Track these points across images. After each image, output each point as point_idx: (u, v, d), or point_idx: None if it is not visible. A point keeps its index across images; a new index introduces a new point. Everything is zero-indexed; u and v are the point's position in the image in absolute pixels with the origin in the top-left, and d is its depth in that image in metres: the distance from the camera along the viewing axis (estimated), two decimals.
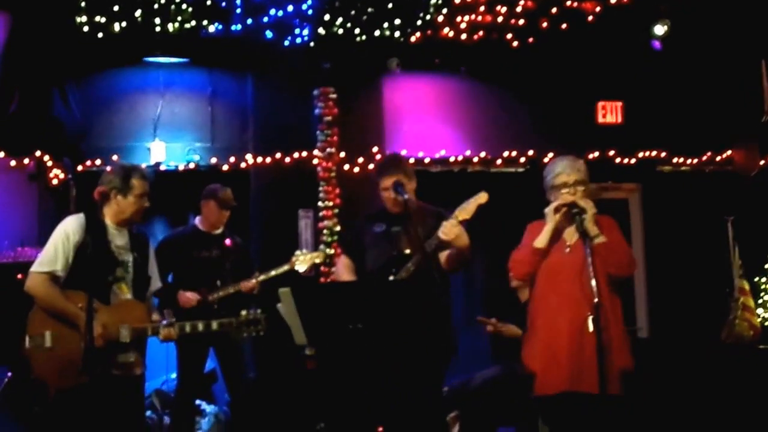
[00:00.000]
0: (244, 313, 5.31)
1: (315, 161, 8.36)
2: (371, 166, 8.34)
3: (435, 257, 5.27)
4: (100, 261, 4.91)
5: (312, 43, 8.37)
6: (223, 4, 8.18)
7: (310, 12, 8.32)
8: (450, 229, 5.10)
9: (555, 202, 4.88)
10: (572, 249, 4.85)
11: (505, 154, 9.03)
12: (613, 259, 4.77)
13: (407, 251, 5.30)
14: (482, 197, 5.17)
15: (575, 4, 8.88)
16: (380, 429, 6.64)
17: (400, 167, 5.55)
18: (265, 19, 8.26)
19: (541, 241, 4.90)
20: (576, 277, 4.65)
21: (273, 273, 6.86)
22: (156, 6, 8.01)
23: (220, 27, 8.20)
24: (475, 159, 8.98)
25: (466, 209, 5.15)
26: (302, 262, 6.95)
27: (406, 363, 5.12)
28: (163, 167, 8.26)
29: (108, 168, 5.43)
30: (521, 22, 8.78)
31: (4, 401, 6.53)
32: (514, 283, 7.06)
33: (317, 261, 7.22)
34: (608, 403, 4.61)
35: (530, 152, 9.00)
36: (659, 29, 8.92)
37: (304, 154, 8.37)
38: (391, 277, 5.28)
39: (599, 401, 4.57)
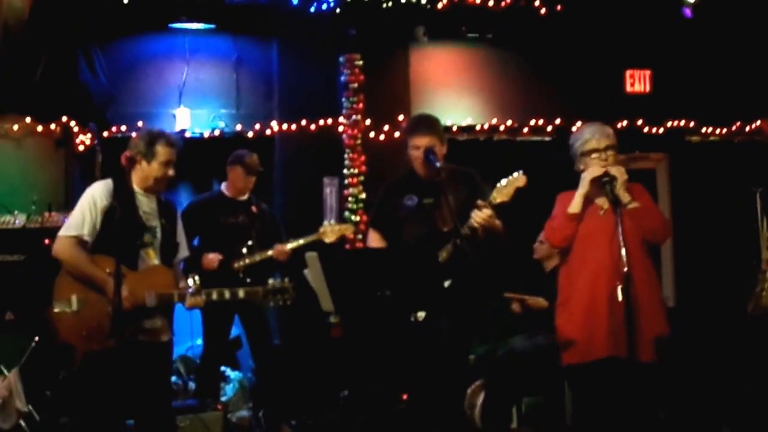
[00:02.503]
0: (271, 281, 5.27)
1: (340, 128, 8.33)
2: (397, 134, 8.32)
3: (473, 235, 5.06)
4: (127, 226, 4.90)
5: (338, 10, 8.30)
6: None
7: None
8: (483, 219, 4.91)
9: (590, 169, 4.84)
10: (606, 213, 4.82)
11: (532, 122, 8.98)
12: (648, 224, 4.76)
13: (444, 229, 5.13)
14: (520, 180, 4.90)
15: None
16: (404, 397, 6.68)
17: (434, 128, 5.33)
18: None
19: (574, 206, 4.88)
20: (610, 243, 4.63)
21: (301, 242, 6.85)
22: None
23: None
24: (502, 127, 8.93)
25: (504, 191, 4.91)
26: (330, 233, 6.92)
27: (434, 334, 5.08)
28: (188, 134, 8.24)
29: (134, 134, 5.41)
30: None
31: (31, 365, 6.58)
32: (537, 255, 7.01)
33: (346, 233, 7.20)
34: (642, 370, 4.60)
35: (557, 121, 8.93)
36: None
37: (330, 121, 8.33)
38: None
39: (634, 368, 4.55)
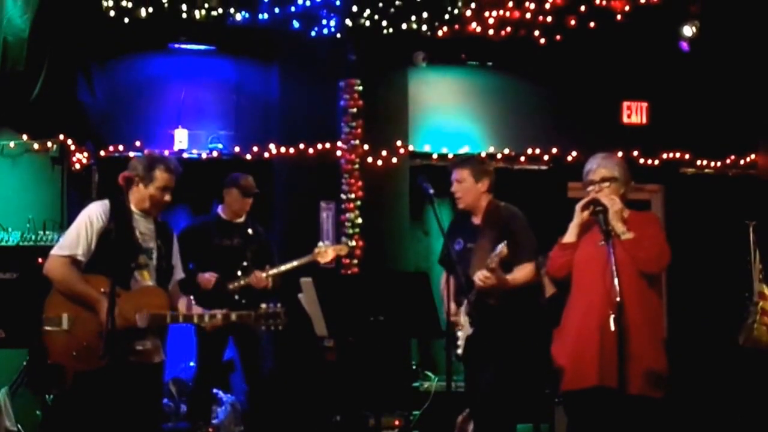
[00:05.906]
0: (263, 306, 5.23)
1: (338, 153, 8.33)
2: (394, 160, 8.35)
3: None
4: (123, 247, 4.87)
5: (339, 35, 8.35)
6: None
7: (337, 3, 8.31)
8: (480, 281, 5.13)
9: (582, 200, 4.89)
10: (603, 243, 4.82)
11: (529, 151, 9.00)
12: (640, 256, 4.74)
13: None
14: (504, 251, 5.08)
15: (604, 2, 8.78)
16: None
17: (465, 162, 5.58)
18: (293, 8, 8.25)
19: (568, 236, 4.93)
20: (603, 273, 4.62)
21: (295, 263, 6.85)
22: None
23: (247, 15, 8.19)
24: (498, 155, 8.93)
25: (499, 259, 5.10)
26: (326, 254, 6.92)
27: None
28: (185, 155, 8.25)
29: (132, 154, 5.41)
30: (549, 19, 8.71)
31: (23, 384, 6.55)
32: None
33: (341, 254, 7.20)
34: (630, 402, 4.59)
35: (554, 150, 8.96)
36: (688, 30, 8.85)
37: (328, 145, 8.34)
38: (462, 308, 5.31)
39: (623, 399, 4.54)
